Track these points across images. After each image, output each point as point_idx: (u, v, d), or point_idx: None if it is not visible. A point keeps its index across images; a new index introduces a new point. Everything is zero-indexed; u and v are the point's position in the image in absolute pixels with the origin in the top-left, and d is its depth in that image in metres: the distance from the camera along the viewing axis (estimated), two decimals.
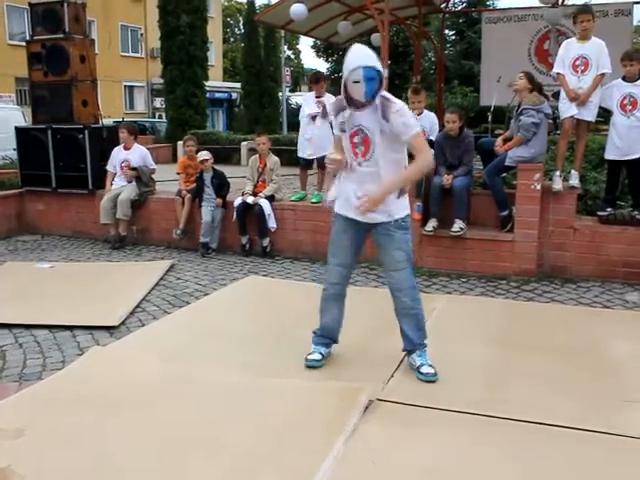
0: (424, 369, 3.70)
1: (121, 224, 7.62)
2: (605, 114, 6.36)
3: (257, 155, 7.34)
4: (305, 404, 3.38)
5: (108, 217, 7.57)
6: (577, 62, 5.92)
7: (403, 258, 3.63)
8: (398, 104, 3.45)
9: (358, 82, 3.37)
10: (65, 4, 8.13)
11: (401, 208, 3.64)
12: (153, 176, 8.08)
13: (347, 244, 3.75)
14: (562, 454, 2.88)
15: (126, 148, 7.88)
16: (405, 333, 3.78)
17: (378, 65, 3.41)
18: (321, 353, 3.93)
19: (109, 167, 7.88)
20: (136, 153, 7.87)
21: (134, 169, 7.72)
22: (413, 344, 3.78)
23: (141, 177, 7.75)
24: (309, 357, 3.90)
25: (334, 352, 4.06)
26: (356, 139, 3.53)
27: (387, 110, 3.41)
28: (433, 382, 3.64)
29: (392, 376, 3.72)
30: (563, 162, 6.18)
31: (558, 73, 6.02)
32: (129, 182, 7.71)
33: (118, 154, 7.88)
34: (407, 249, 3.66)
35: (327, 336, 3.97)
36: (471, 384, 3.65)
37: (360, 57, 3.43)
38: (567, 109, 5.96)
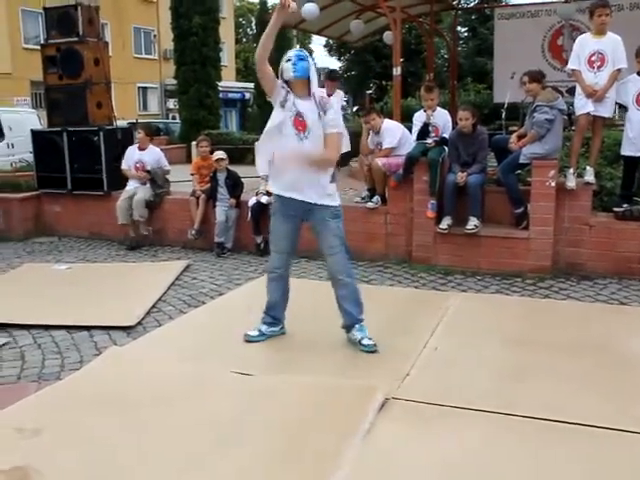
0: (365, 341, 4.09)
1: (140, 225, 7.69)
2: (620, 110, 6.31)
3: None
4: (321, 402, 3.39)
5: (125, 217, 7.63)
6: (593, 58, 5.83)
7: (337, 243, 4.08)
8: (335, 103, 4.20)
9: (290, 60, 3.89)
10: (79, 8, 8.22)
11: (335, 198, 4.11)
12: (168, 177, 8.12)
13: (284, 232, 4.17)
14: (581, 452, 2.86)
15: (141, 148, 7.91)
16: (345, 310, 4.18)
17: (309, 57, 3.97)
18: (260, 330, 4.34)
19: (124, 166, 7.90)
20: (150, 154, 7.89)
21: (148, 172, 7.76)
22: (353, 319, 4.17)
23: (155, 179, 7.79)
24: (248, 332, 4.34)
25: (351, 350, 4.10)
26: (298, 120, 3.96)
27: (325, 105, 3.98)
28: (374, 352, 4.03)
29: (408, 374, 3.71)
30: (577, 159, 6.13)
31: (573, 69, 5.95)
32: (143, 184, 7.76)
33: (133, 154, 7.91)
34: (340, 235, 4.11)
35: (270, 313, 4.36)
36: (488, 382, 3.64)
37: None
38: (583, 105, 5.90)
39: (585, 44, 5.93)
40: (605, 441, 2.96)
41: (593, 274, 5.88)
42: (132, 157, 7.89)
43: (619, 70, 5.81)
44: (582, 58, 5.89)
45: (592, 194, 6.04)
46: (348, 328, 4.21)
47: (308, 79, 3.93)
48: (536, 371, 3.79)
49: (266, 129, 4.04)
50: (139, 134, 7.96)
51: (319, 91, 4.02)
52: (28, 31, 26.12)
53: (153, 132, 8.45)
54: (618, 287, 5.56)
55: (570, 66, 6.01)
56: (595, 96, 5.79)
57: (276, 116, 3.99)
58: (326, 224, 4.06)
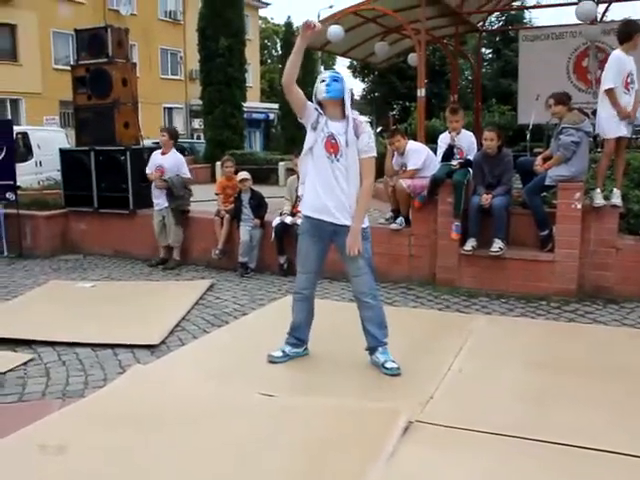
0: (389, 364, 4.06)
1: (174, 251, 7.76)
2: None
3: (295, 175, 7.38)
4: (344, 425, 3.36)
5: (163, 241, 7.78)
6: (629, 79, 5.70)
7: (364, 264, 4.05)
8: (368, 127, 4.07)
9: (324, 81, 3.94)
10: (109, 30, 8.40)
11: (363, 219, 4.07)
12: (189, 187, 7.98)
13: (312, 253, 4.15)
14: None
15: (163, 153, 7.83)
16: (369, 332, 4.15)
17: (344, 80, 4.00)
18: (284, 351, 4.33)
19: (147, 170, 7.85)
20: (171, 160, 7.76)
21: (165, 181, 7.65)
22: (377, 341, 4.14)
23: (172, 190, 7.63)
24: (271, 353, 4.32)
25: (375, 372, 4.08)
26: (330, 142, 3.95)
27: (359, 129, 3.94)
28: (398, 375, 4.00)
29: (431, 397, 3.68)
30: (604, 180, 6.06)
31: (612, 88, 5.63)
32: (159, 188, 7.69)
33: (155, 158, 7.84)
34: (367, 256, 4.07)
35: (294, 334, 4.35)
36: (512, 406, 3.59)
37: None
38: (616, 129, 5.73)
39: (624, 63, 5.66)
40: (629, 468, 2.90)
41: (620, 298, 5.80)
42: (154, 161, 7.81)
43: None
44: (622, 77, 5.63)
45: (619, 216, 5.98)
46: (372, 350, 4.18)
47: (341, 100, 3.94)
48: (560, 396, 3.73)
49: (302, 153, 4.10)
50: (163, 137, 7.86)
51: (354, 114, 3.99)
52: (58, 52, 26.73)
53: (176, 135, 8.31)
54: None
55: (611, 84, 5.65)
56: (630, 118, 5.67)
57: (309, 139, 4.02)
58: None
